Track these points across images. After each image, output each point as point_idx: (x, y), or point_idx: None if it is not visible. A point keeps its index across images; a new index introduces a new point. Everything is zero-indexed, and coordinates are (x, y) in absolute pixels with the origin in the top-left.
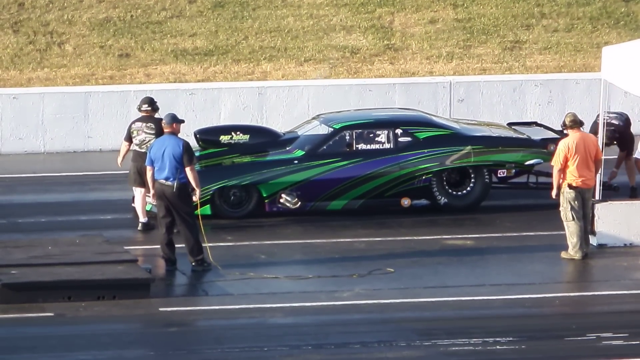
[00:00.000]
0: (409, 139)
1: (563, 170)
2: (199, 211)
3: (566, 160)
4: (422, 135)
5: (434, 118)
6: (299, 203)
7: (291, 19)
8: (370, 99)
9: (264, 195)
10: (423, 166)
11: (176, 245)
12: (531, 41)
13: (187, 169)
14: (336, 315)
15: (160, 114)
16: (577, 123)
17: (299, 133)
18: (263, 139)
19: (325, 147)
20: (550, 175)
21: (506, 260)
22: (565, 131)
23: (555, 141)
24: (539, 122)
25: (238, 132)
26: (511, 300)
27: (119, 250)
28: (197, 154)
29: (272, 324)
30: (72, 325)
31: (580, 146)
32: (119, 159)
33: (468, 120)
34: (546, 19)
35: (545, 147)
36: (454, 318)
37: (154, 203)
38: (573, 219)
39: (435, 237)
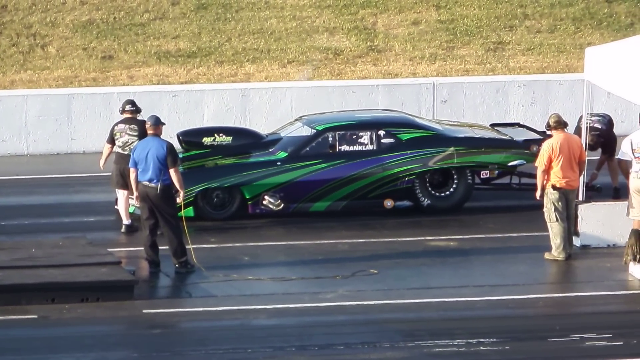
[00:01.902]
0: (391, 140)
1: (547, 171)
2: (182, 213)
3: (550, 161)
4: (405, 136)
5: (417, 119)
6: (282, 205)
7: (274, 21)
8: (354, 101)
9: (247, 196)
10: (406, 167)
11: (160, 247)
12: (514, 42)
13: (171, 171)
14: (320, 317)
15: (143, 116)
16: (561, 124)
17: (282, 135)
18: (246, 141)
19: (308, 149)
20: (532, 176)
21: (490, 261)
22: (549, 132)
23: (538, 142)
24: (521, 123)
25: (221, 134)
26: (495, 301)
27: (103, 253)
28: (180, 155)
29: (255, 326)
30: (56, 328)
31: (565, 147)
32: (101, 162)
33: (451, 121)
34: (529, 20)
35: (528, 148)
36: (438, 319)
37: (138, 205)
38: (557, 220)
39: (419, 238)
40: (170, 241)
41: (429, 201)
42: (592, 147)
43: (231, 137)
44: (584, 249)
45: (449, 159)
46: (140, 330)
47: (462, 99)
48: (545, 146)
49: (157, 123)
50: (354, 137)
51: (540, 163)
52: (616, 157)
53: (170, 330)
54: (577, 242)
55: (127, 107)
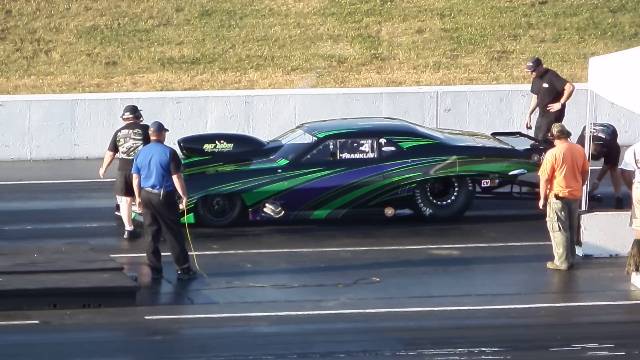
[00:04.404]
0: (392, 148)
1: (550, 180)
2: (185, 219)
3: (553, 170)
4: (406, 145)
5: (418, 128)
6: (283, 212)
7: (278, 28)
8: (357, 109)
9: (248, 204)
10: (407, 176)
11: (162, 254)
12: (518, 51)
13: (174, 177)
14: (321, 325)
15: (146, 122)
16: (564, 133)
17: (283, 142)
18: (247, 148)
19: (309, 156)
20: (532, 185)
21: (491, 270)
22: (552, 142)
23: (539, 151)
24: (523, 132)
25: (222, 141)
26: (496, 310)
27: (105, 258)
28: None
29: (257, 333)
30: (57, 333)
31: (568, 157)
32: (102, 170)
33: (452, 130)
34: (533, 29)
35: (529, 157)
36: (439, 328)
37: (139, 211)
38: (559, 229)
39: (421, 246)
40: (173, 247)
41: (430, 210)
42: (595, 157)
43: (232, 144)
44: (587, 259)
45: (450, 167)
46: (141, 336)
47: (465, 107)
48: (549, 155)
49: (160, 129)
50: (355, 145)
51: (543, 172)
52: (619, 167)
53: (172, 337)
54: (579, 251)
55: (127, 114)
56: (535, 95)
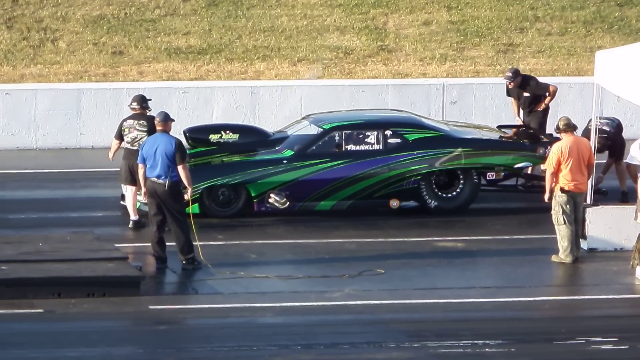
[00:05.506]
0: (398, 140)
1: (556, 173)
2: (190, 209)
3: (559, 163)
4: (412, 137)
5: (424, 120)
6: (288, 203)
7: (285, 19)
8: (363, 100)
9: (253, 194)
10: (412, 168)
11: (167, 244)
12: (525, 44)
13: (180, 167)
14: (326, 316)
15: (153, 112)
16: (570, 127)
17: (289, 133)
18: (252, 139)
19: (314, 148)
20: (536, 178)
21: (496, 263)
22: (558, 135)
23: (545, 145)
24: (528, 125)
25: (227, 131)
26: (501, 303)
27: (110, 248)
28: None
29: (261, 324)
30: (62, 322)
31: (574, 150)
32: (110, 154)
33: (458, 122)
34: (540, 22)
35: (534, 150)
36: (444, 320)
37: (145, 201)
38: (564, 222)
39: (426, 238)
40: (178, 237)
41: (436, 202)
42: (599, 150)
43: (238, 135)
44: (591, 252)
45: (456, 160)
46: (145, 326)
47: (471, 100)
48: (555, 149)
49: (166, 119)
50: (361, 136)
51: (549, 165)
52: (624, 161)
53: (176, 327)
54: (584, 245)
55: (134, 104)
56: (513, 99)
